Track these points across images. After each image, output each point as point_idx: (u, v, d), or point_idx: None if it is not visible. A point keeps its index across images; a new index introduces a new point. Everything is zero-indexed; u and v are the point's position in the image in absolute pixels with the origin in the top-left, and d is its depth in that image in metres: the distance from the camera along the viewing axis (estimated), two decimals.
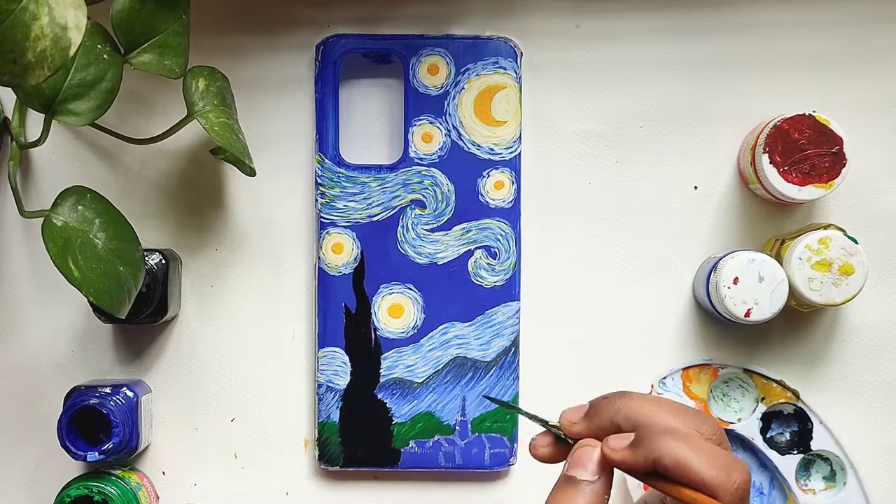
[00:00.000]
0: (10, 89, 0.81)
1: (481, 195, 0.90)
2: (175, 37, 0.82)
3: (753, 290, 0.85)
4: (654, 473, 0.66)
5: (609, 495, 0.68)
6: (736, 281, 0.85)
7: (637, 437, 0.67)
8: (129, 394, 0.88)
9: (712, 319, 0.92)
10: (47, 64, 0.65)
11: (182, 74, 0.83)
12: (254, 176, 0.85)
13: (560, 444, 0.70)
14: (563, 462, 0.69)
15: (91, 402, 0.86)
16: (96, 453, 0.86)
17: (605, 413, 0.70)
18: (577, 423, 0.71)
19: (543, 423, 0.72)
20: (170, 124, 0.84)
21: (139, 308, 0.87)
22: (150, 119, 0.92)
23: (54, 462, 0.92)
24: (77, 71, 0.78)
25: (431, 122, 0.90)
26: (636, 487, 0.92)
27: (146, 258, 0.87)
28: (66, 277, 0.76)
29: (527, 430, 0.91)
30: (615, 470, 0.67)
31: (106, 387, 0.88)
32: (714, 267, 0.87)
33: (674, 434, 0.66)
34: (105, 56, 0.79)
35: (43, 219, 0.78)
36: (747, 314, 0.85)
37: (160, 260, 0.88)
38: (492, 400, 0.80)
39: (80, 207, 0.79)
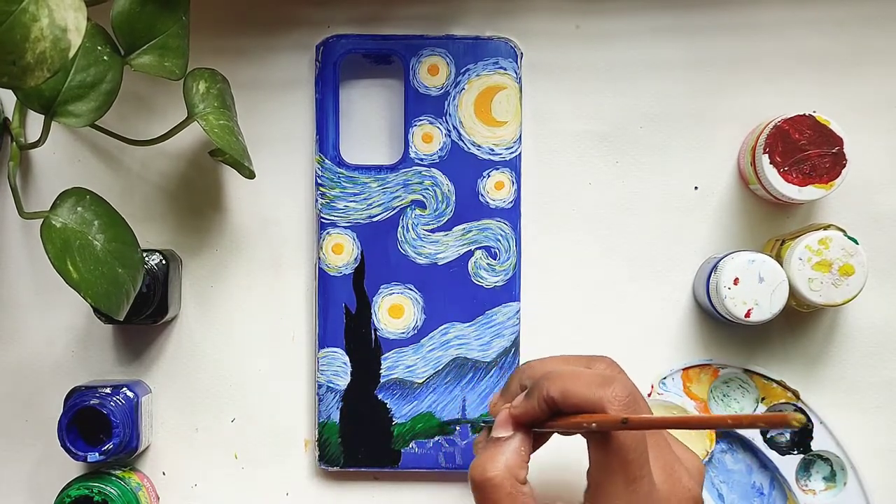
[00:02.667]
0: (10, 90, 0.80)
1: (481, 195, 0.90)
2: (175, 38, 0.82)
3: (754, 290, 0.85)
4: (555, 417, 0.75)
5: (527, 450, 0.76)
6: (736, 281, 0.85)
7: (529, 388, 0.76)
8: (130, 394, 0.88)
9: (712, 319, 0.92)
10: (47, 66, 0.65)
11: (182, 76, 0.83)
12: (253, 178, 0.85)
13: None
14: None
15: (91, 402, 0.86)
16: (96, 454, 0.86)
17: (513, 384, 0.81)
18: (496, 402, 0.82)
19: (482, 421, 0.83)
20: (170, 126, 0.84)
21: (139, 309, 0.87)
22: (150, 120, 0.92)
23: (54, 462, 0.92)
24: (77, 72, 0.78)
25: (431, 123, 0.90)
26: None
27: (146, 259, 0.88)
28: (65, 279, 0.76)
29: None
30: None
31: (106, 387, 0.88)
32: (714, 267, 0.87)
33: (558, 374, 0.75)
34: (105, 57, 0.79)
35: (42, 220, 0.78)
36: (747, 314, 0.85)
37: (160, 260, 0.88)
38: (448, 422, 0.89)
39: (79, 209, 0.79)
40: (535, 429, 0.77)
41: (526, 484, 0.75)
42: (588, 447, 0.73)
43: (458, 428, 0.91)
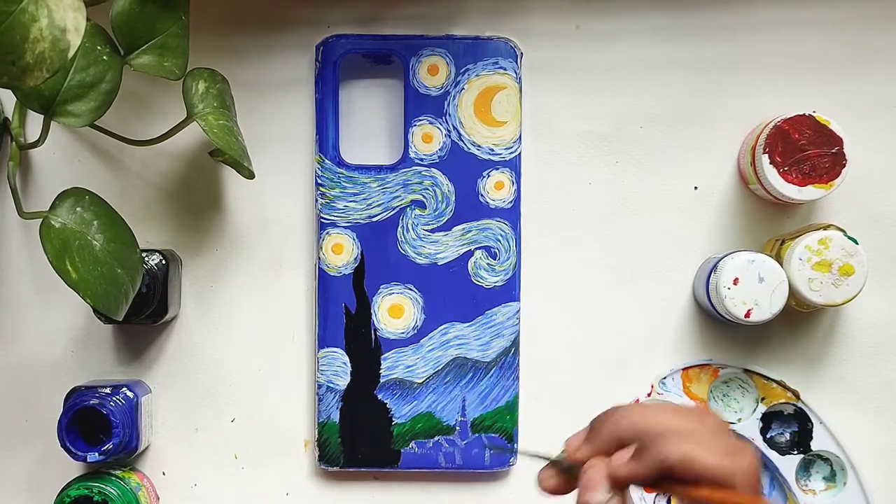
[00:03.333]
0: (9, 90, 0.80)
1: (481, 195, 0.90)
2: (175, 38, 0.82)
3: (753, 290, 0.85)
4: (665, 480, 0.65)
5: None
6: (736, 281, 0.85)
7: (639, 445, 0.66)
8: (129, 394, 0.88)
9: (712, 319, 0.92)
10: (46, 66, 0.65)
11: (182, 76, 0.83)
12: (252, 178, 0.85)
13: (567, 472, 0.70)
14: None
15: (91, 402, 0.86)
16: (96, 454, 0.86)
17: (604, 430, 0.69)
18: (580, 448, 0.70)
19: (548, 459, 0.71)
20: (169, 126, 0.84)
21: (139, 308, 0.87)
22: (149, 120, 0.92)
23: (54, 462, 0.92)
24: (77, 72, 0.78)
25: (431, 123, 0.90)
26: (637, 492, 0.92)
27: (146, 259, 0.88)
28: (64, 279, 0.76)
29: (527, 431, 0.91)
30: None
31: (106, 387, 0.88)
32: (714, 267, 0.87)
33: (674, 433, 0.65)
34: (105, 57, 0.79)
35: (41, 220, 0.78)
36: (747, 315, 0.85)
37: (160, 260, 0.88)
38: (526, 454, 0.77)
39: (78, 209, 0.79)
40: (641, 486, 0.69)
41: None
42: None
43: (458, 429, 0.91)
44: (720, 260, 0.87)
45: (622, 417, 0.68)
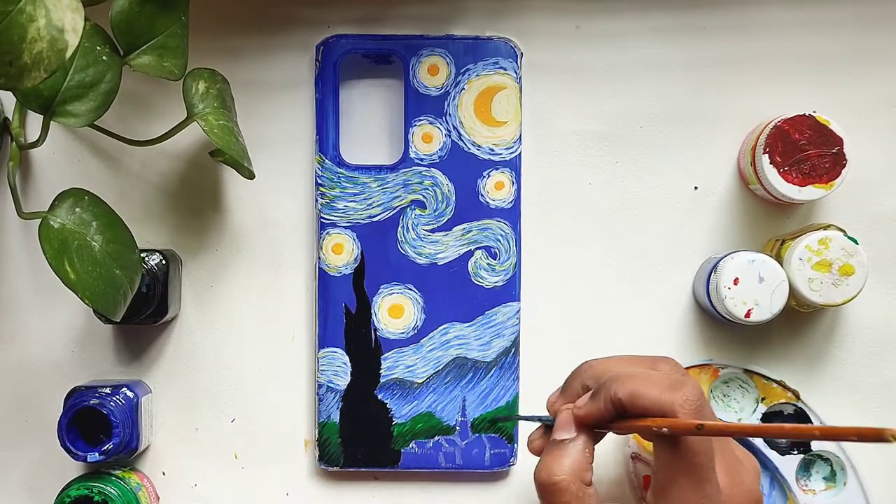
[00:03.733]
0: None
1: (481, 195, 0.90)
2: (174, 38, 0.82)
3: (754, 290, 0.85)
4: (619, 418, 0.75)
5: (591, 451, 0.76)
6: (736, 281, 0.85)
7: (595, 389, 0.76)
8: (130, 394, 0.88)
9: (712, 319, 0.92)
10: (43, 66, 0.65)
11: (181, 76, 0.83)
12: (252, 178, 0.85)
13: (550, 431, 0.79)
14: None
15: (91, 402, 0.86)
16: (96, 454, 0.86)
17: (574, 383, 0.80)
18: (555, 401, 0.81)
19: (536, 418, 0.82)
20: (169, 126, 0.84)
21: (139, 308, 0.87)
22: (149, 120, 0.92)
23: (54, 462, 0.92)
24: (76, 72, 0.78)
25: (431, 123, 0.90)
26: (637, 492, 0.92)
27: (146, 258, 0.88)
28: (62, 279, 0.76)
29: (527, 431, 0.91)
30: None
31: (106, 387, 0.88)
32: (714, 267, 0.87)
33: (625, 375, 0.75)
34: (104, 57, 0.79)
35: (40, 220, 0.78)
36: (747, 315, 0.85)
37: (160, 260, 0.88)
38: (499, 419, 0.87)
39: (77, 209, 0.79)
40: (598, 429, 0.77)
41: (591, 486, 0.75)
42: (654, 449, 0.74)
43: (458, 429, 0.91)
44: (720, 260, 0.87)
45: (586, 369, 0.80)
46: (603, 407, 0.75)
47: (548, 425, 0.81)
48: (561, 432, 0.77)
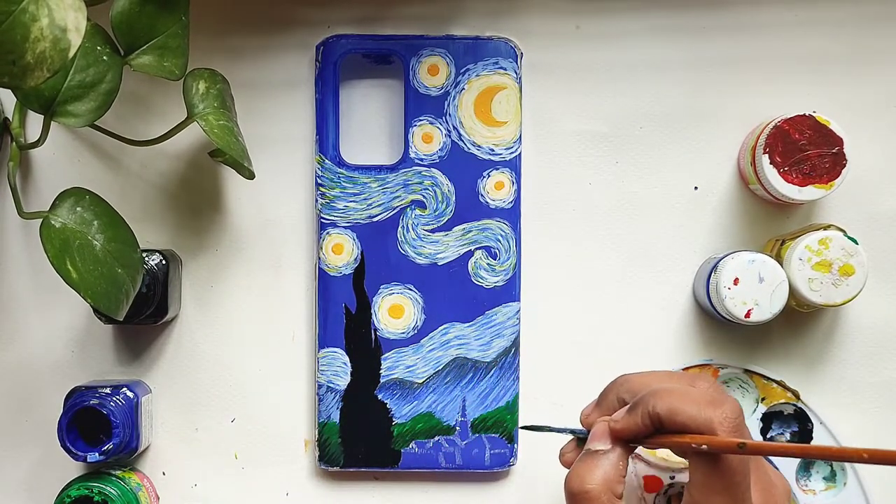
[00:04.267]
0: (9, 90, 0.80)
1: (481, 195, 0.90)
2: (175, 38, 0.82)
3: (754, 290, 0.85)
4: (657, 433, 0.74)
5: (625, 465, 0.75)
6: (736, 282, 0.85)
7: (633, 403, 0.76)
8: (130, 394, 0.88)
9: (712, 319, 0.92)
10: (46, 66, 0.65)
11: (182, 76, 0.83)
12: (253, 179, 0.85)
13: (583, 444, 0.79)
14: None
15: (91, 402, 0.86)
16: (96, 454, 0.86)
17: (610, 395, 0.80)
18: (590, 413, 0.81)
19: (569, 431, 0.82)
20: (169, 126, 0.84)
21: (139, 309, 0.87)
22: (149, 120, 0.92)
23: (54, 462, 0.92)
24: (77, 72, 0.78)
25: (431, 123, 0.90)
26: (637, 492, 0.92)
27: (146, 259, 0.88)
28: (64, 279, 0.76)
29: (527, 431, 0.91)
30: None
31: (106, 387, 0.88)
32: (714, 267, 0.87)
33: (664, 390, 0.74)
34: (105, 57, 0.79)
35: (41, 220, 0.78)
36: (747, 315, 0.85)
37: (160, 260, 0.88)
38: (526, 428, 0.84)
39: (78, 209, 0.79)
40: (633, 443, 0.77)
41: (621, 499, 0.75)
42: (690, 466, 0.73)
43: (458, 429, 0.91)
44: (720, 260, 0.87)
45: (624, 382, 0.79)
46: (640, 421, 0.74)
47: (580, 438, 0.80)
48: (596, 443, 0.77)
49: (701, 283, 0.89)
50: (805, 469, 0.92)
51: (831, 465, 0.92)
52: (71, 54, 0.66)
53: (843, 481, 0.91)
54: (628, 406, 0.76)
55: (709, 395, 0.74)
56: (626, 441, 0.76)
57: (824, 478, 0.92)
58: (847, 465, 0.91)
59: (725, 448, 0.70)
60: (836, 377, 0.92)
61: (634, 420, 0.74)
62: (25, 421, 0.93)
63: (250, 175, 0.85)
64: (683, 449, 0.73)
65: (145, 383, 0.92)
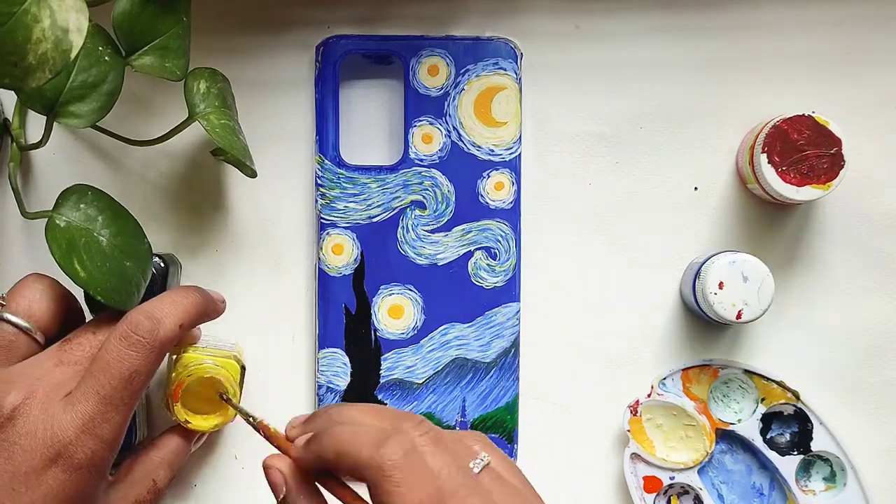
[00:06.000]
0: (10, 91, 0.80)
1: (481, 196, 0.90)
2: (176, 39, 0.82)
3: (740, 291, 0.85)
4: (328, 474, 0.70)
5: (308, 494, 0.71)
6: (721, 285, 0.85)
7: (313, 434, 0.70)
8: None
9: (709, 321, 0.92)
10: (48, 67, 0.65)
11: (183, 77, 0.83)
12: (255, 177, 0.85)
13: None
14: None
15: None
16: None
17: (318, 420, 0.74)
18: (295, 426, 0.76)
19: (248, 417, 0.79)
20: (171, 126, 0.84)
21: None
22: (151, 120, 0.91)
23: None
24: (78, 73, 0.78)
25: (431, 123, 0.90)
26: (637, 492, 0.92)
27: None
28: (72, 279, 0.76)
29: (527, 431, 0.91)
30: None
31: None
32: (697, 273, 0.87)
33: (335, 427, 0.68)
34: (106, 58, 0.79)
35: (45, 220, 0.78)
36: (738, 316, 0.85)
37: (159, 263, 0.88)
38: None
39: (82, 205, 0.79)
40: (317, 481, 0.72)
41: None
42: None
43: (457, 429, 0.91)
44: (701, 266, 0.87)
45: (325, 412, 0.74)
46: (313, 458, 0.69)
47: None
48: (276, 493, 0.72)
49: (687, 289, 0.89)
50: (805, 469, 0.92)
51: (831, 466, 0.92)
52: (73, 55, 0.66)
53: (843, 482, 0.91)
54: (309, 436, 0.71)
55: (378, 430, 0.67)
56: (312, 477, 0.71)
57: (824, 478, 0.92)
58: (847, 465, 0.91)
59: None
60: (836, 377, 0.92)
61: (308, 456, 0.70)
62: None
63: (252, 174, 0.85)
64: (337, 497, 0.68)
65: None
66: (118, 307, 0.80)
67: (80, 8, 0.66)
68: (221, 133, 0.82)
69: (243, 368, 0.88)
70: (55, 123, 0.79)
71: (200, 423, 0.86)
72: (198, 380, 0.85)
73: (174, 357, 0.87)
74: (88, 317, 0.90)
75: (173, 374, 0.86)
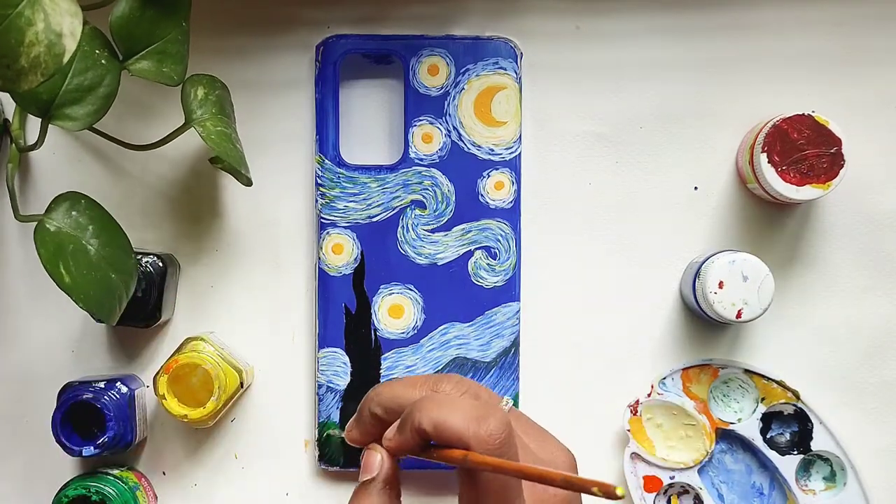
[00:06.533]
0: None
1: (481, 196, 0.91)
2: (174, 44, 0.82)
3: (739, 290, 0.85)
4: (428, 447, 0.74)
5: (393, 487, 0.77)
6: (721, 285, 0.85)
7: (402, 418, 0.75)
8: (123, 388, 0.88)
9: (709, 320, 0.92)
10: (40, 70, 0.65)
11: (181, 82, 0.83)
12: (250, 185, 0.85)
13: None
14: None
15: (85, 396, 0.86)
16: (91, 448, 0.86)
17: (364, 411, 0.80)
18: (351, 429, 0.82)
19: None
20: (169, 129, 0.84)
21: (133, 312, 0.87)
22: (149, 124, 0.92)
23: (51, 463, 0.92)
24: (75, 76, 0.78)
25: (431, 123, 0.90)
26: (637, 492, 0.92)
27: (142, 261, 0.88)
28: (57, 283, 0.76)
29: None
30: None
31: (100, 381, 0.88)
32: (697, 273, 0.87)
33: (428, 401, 0.73)
34: (103, 61, 0.79)
35: (36, 223, 0.78)
36: (738, 315, 0.85)
37: (155, 261, 0.88)
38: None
39: (73, 213, 0.79)
40: (414, 455, 0.76)
41: None
42: (458, 480, 0.74)
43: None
44: (701, 266, 0.87)
45: (374, 396, 0.80)
46: (410, 437, 0.73)
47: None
48: (364, 473, 0.77)
49: (687, 288, 0.89)
50: (805, 469, 0.92)
51: (831, 465, 0.92)
52: (65, 59, 0.66)
53: (843, 481, 0.91)
54: (398, 422, 0.76)
55: (475, 409, 0.72)
56: (398, 457, 0.77)
57: (824, 478, 0.92)
58: (847, 465, 0.91)
59: (483, 465, 0.69)
60: (836, 377, 0.92)
61: (405, 437, 0.74)
62: (24, 421, 0.93)
63: (247, 182, 0.85)
64: (452, 463, 0.72)
65: (139, 377, 0.92)
66: (99, 316, 0.80)
67: (75, 12, 0.66)
68: (217, 140, 0.82)
69: (241, 384, 0.88)
70: (54, 126, 0.79)
71: (173, 405, 0.86)
72: (191, 366, 0.86)
73: (186, 339, 0.89)
74: (87, 317, 0.90)
75: (175, 352, 0.88)
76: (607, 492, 0.61)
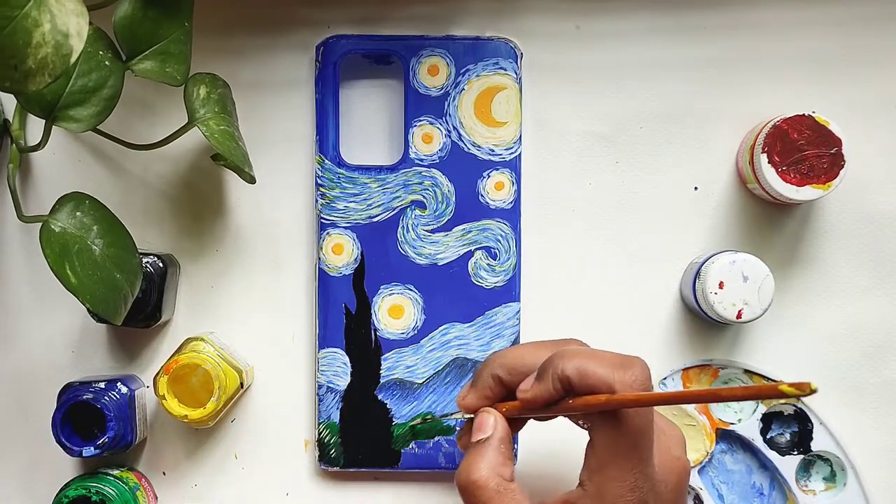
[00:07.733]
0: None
1: (481, 196, 0.90)
2: (177, 44, 0.82)
3: (740, 290, 0.85)
4: (563, 400, 0.74)
5: (508, 446, 0.77)
6: (721, 285, 0.85)
7: (540, 369, 0.76)
8: (124, 389, 0.88)
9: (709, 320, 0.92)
10: (48, 71, 0.65)
11: (184, 82, 0.82)
12: (254, 183, 0.85)
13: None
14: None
15: (85, 397, 0.86)
16: (92, 448, 0.86)
17: (484, 374, 0.81)
18: (466, 395, 0.82)
19: (451, 417, 0.87)
20: (172, 129, 0.84)
21: (133, 313, 0.87)
22: (152, 124, 0.91)
23: (52, 463, 0.92)
24: (78, 77, 0.78)
25: (432, 123, 0.90)
26: None
27: (142, 262, 0.87)
28: (63, 283, 0.76)
29: (527, 431, 0.91)
30: None
31: (100, 382, 0.88)
32: (697, 273, 0.87)
33: (570, 351, 0.75)
34: (107, 63, 0.79)
35: (41, 224, 0.77)
36: (739, 315, 0.85)
37: (157, 263, 0.88)
38: (415, 426, 0.91)
39: (78, 213, 0.79)
40: (536, 416, 0.78)
41: (513, 481, 0.76)
42: (593, 428, 0.74)
43: (458, 429, 0.91)
44: (702, 266, 0.87)
45: (497, 358, 0.81)
46: (551, 386, 0.74)
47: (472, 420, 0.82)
48: (478, 433, 0.78)
49: (687, 289, 0.89)
50: (805, 469, 0.93)
51: (831, 466, 0.92)
52: (73, 60, 0.66)
53: (843, 481, 0.92)
54: (536, 374, 0.76)
55: (618, 356, 0.74)
56: (537, 411, 0.77)
57: (824, 478, 0.93)
58: (847, 465, 0.91)
59: (635, 402, 0.71)
60: (836, 377, 0.92)
61: (545, 386, 0.75)
62: (24, 421, 0.93)
63: (251, 180, 0.85)
64: (591, 410, 0.73)
65: (139, 377, 0.92)
66: (105, 317, 0.80)
67: (81, 12, 0.66)
68: (220, 139, 0.82)
69: (241, 385, 0.88)
70: (55, 126, 0.79)
71: (174, 406, 0.86)
72: (192, 366, 0.86)
73: (186, 339, 0.89)
74: (88, 317, 0.90)
75: (175, 352, 0.88)
76: (802, 389, 0.62)
